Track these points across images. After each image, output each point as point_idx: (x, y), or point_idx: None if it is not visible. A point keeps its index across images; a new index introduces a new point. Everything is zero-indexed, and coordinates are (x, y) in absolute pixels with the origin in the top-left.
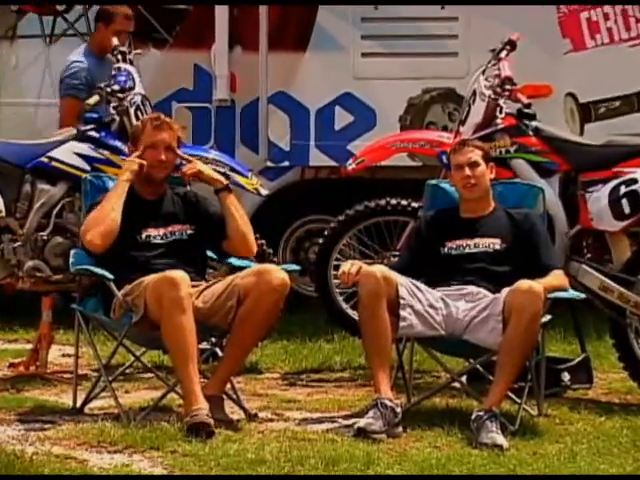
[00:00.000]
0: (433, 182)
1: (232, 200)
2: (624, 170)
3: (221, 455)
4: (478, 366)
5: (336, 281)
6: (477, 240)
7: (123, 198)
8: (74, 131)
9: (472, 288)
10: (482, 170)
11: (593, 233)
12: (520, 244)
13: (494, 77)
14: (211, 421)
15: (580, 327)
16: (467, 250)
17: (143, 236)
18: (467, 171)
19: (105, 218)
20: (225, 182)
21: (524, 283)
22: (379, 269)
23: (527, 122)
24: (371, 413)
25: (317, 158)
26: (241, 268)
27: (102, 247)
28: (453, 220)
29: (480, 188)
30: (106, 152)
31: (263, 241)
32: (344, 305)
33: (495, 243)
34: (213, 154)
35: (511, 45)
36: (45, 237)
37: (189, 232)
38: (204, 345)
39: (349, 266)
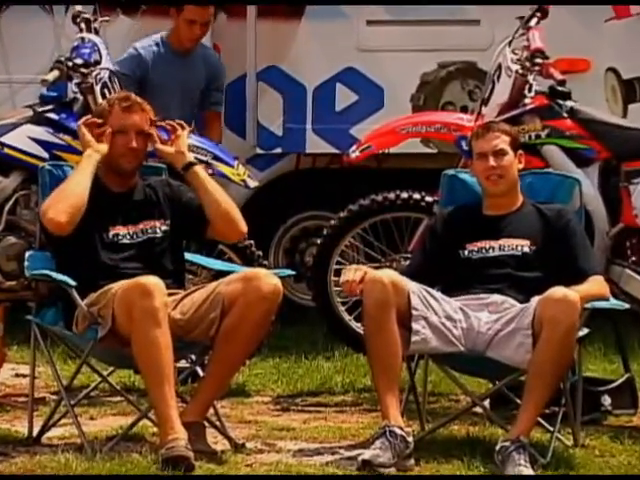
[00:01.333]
0: (451, 172)
1: (204, 176)
2: None
3: None
4: (504, 388)
5: (337, 289)
6: (502, 241)
7: (90, 175)
8: (29, 112)
9: (497, 297)
10: (509, 160)
11: (638, 232)
12: (552, 246)
13: (522, 49)
14: (190, 454)
15: (623, 342)
16: (491, 253)
17: (110, 235)
18: (492, 161)
19: (69, 194)
20: (189, 158)
21: (557, 291)
22: (387, 274)
23: (561, 102)
24: (378, 443)
25: (315, 144)
26: (227, 273)
27: (68, 226)
28: (474, 218)
29: (506, 181)
30: (67, 137)
31: (251, 241)
32: (346, 316)
33: (523, 245)
34: (192, 140)
35: (542, 12)
36: None
37: (164, 228)
38: (182, 364)
39: (352, 272)
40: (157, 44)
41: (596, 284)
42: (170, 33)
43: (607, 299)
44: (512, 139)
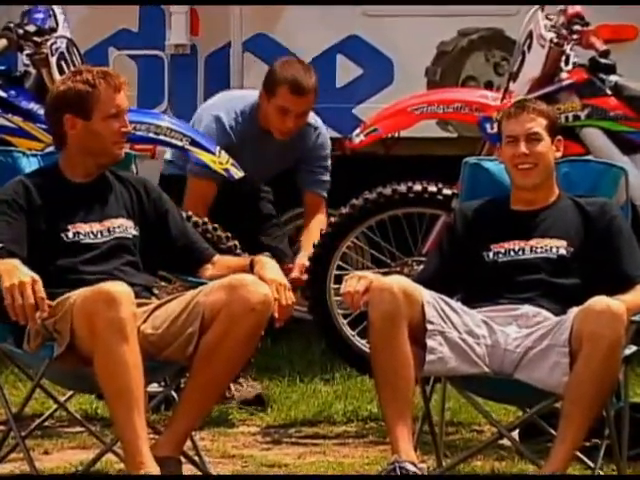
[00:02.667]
0: (473, 160)
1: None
2: None
3: None
4: (535, 416)
5: (338, 298)
6: (535, 242)
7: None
8: None
9: (528, 308)
10: (545, 146)
11: None
12: (594, 247)
13: (558, 14)
14: None
15: None
16: (521, 256)
17: (70, 234)
18: (523, 146)
19: None
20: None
21: (599, 301)
22: (397, 282)
23: (604, 76)
24: None
25: None
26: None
27: None
28: (501, 214)
29: (539, 172)
30: (17, 118)
31: (235, 242)
32: (349, 331)
33: (559, 246)
34: (167, 121)
35: None
36: None
37: (133, 232)
38: (154, 387)
39: (355, 281)
40: (243, 113)
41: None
42: (258, 109)
43: None
44: (550, 122)
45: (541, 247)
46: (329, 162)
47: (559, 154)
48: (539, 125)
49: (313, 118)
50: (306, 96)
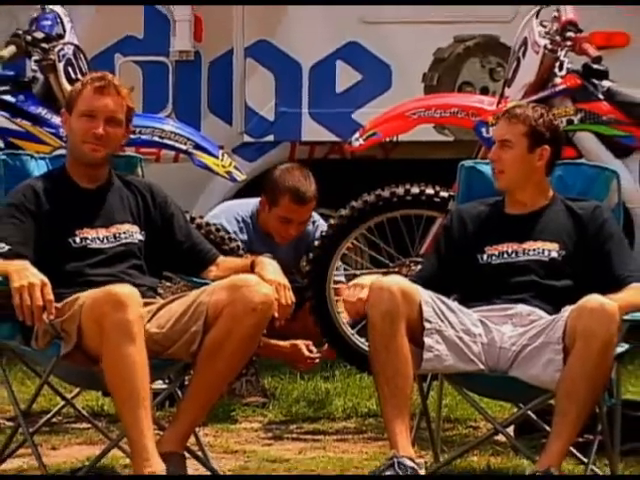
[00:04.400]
0: (469, 164)
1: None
2: None
3: None
4: (530, 413)
5: (337, 297)
6: (528, 245)
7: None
8: None
9: (522, 307)
10: (515, 155)
11: None
12: (586, 249)
13: (552, 21)
14: None
15: None
16: (514, 258)
17: (78, 239)
18: (493, 152)
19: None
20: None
21: (592, 299)
22: (396, 282)
23: (596, 82)
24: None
25: (312, 131)
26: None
27: None
28: (495, 217)
29: (506, 178)
30: (26, 123)
31: (238, 243)
32: (349, 330)
33: (552, 249)
34: (171, 125)
35: None
36: None
37: (139, 237)
38: (159, 385)
39: (353, 290)
40: (246, 224)
41: (636, 292)
42: (258, 215)
43: None
44: (530, 129)
45: (534, 250)
46: None
47: (541, 163)
48: (513, 132)
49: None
50: (308, 205)
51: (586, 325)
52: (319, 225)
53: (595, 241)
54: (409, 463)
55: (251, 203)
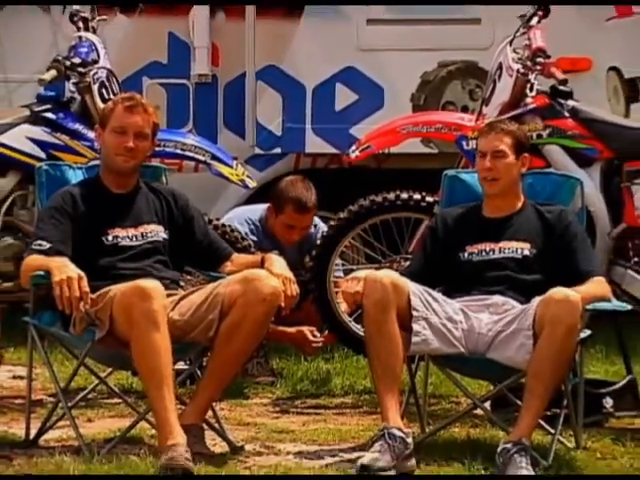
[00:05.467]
0: (451, 173)
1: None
2: None
3: None
4: (505, 390)
5: (337, 289)
6: (503, 244)
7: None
8: (26, 112)
9: (498, 298)
10: (507, 163)
11: None
12: (554, 247)
13: (524, 48)
14: (190, 464)
15: (625, 344)
16: (491, 256)
17: (110, 237)
18: (487, 161)
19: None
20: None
21: (559, 291)
22: (387, 275)
23: (562, 101)
24: (377, 446)
25: (314, 144)
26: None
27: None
28: (475, 220)
29: (501, 184)
30: (65, 137)
31: (250, 242)
32: (346, 318)
33: (524, 248)
34: (191, 139)
35: (544, 11)
36: None
37: (163, 236)
38: (181, 365)
39: (350, 283)
40: (256, 227)
41: (597, 285)
42: (267, 220)
43: (609, 300)
44: (516, 141)
45: (508, 248)
46: None
47: (524, 169)
48: (504, 144)
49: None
50: (309, 213)
51: (553, 314)
52: (320, 228)
53: (561, 240)
54: (398, 433)
55: (260, 209)
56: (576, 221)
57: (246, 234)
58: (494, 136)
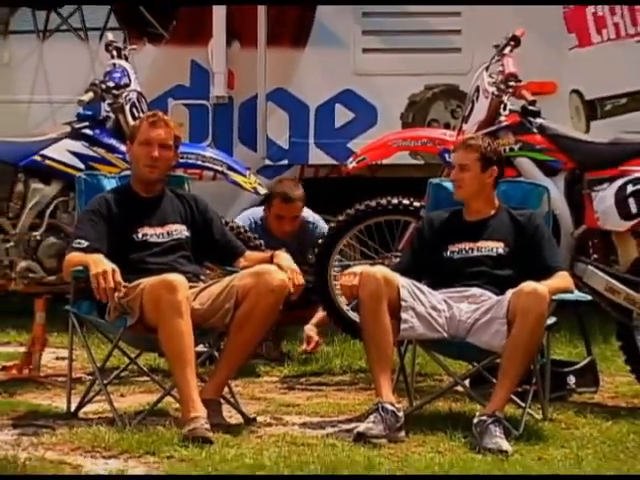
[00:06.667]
0: (435, 181)
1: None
2: (631, 169)
3: (219, 460)
4: (482, 369)
5: (337, 282)
6: (480, 244)
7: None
8: (68, 128)
9: (475, 290)
10: (470, 175)
11: (599, 233)
12: (524, 246)
13: (498, 73)
14: (209, 433)
15: (586, 330)
16: (470, 254)
17: (140, 235)
18: (453, 173)
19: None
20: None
21: (528, 285)
22: (380, 270)
23: (531, 119)
24: (372, 417)
25: (317, 156)
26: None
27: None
28: (456, 223)
29: (464, 192)
30: (101, 150)
31: (260, 241)
32: (345, 307)
33: (499, 247)
34: (210, 152)
35: (515, 41)
36: (38, 237)
37: (186, 234)
38: (201, 348)
39: (349, 277)
40: (257, 226)
41: (562, 279)
42: (266, 219)
43: (572, 292)
44: (481, 156)
45: (485, 248)
46: None
47: (490, 180)
48: (469, 159)
49: (312, 217)
50: (294, 203)
51: (523, 304)
52: (319, 227)
53: (532, 240)
54: (390, 407)
55: (261, 209)
56: (544, 223)
57: (245, 229)
58: (462, 152)
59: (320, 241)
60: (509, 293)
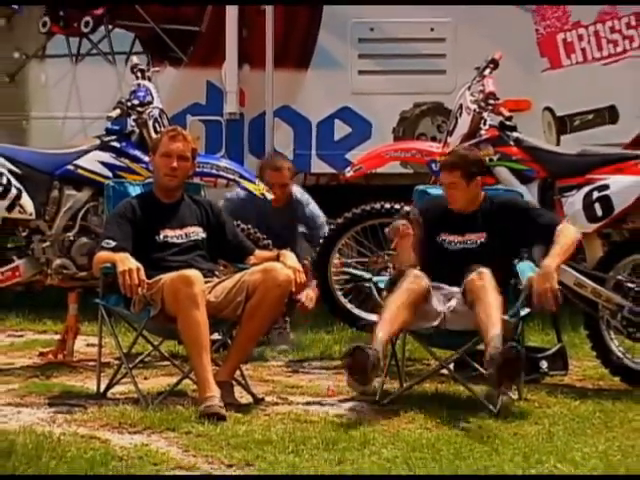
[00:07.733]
0: (421, 188)
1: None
2: (596, 177)
3: (231, 435)
4: (464, 355)
5: (336, 278)
6: (467, 236)
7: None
8: (98, 141)
9: (450, 288)
10: (459, 192)
11: None
12: (513, 227)
13: (479, 92)
14: (223, 411)
15: (557, 319)
16: (458, 246)
17: (161, 237)
18: (446, 190)
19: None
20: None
21: (476, 272)
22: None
23: (509, 133)
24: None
25: (318, 166)
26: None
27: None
28: (446, 213)
29: (459, 203)
30: (127, 160)
31: (269, 241)
32: (342, 299)
33: (481, 237)
34: (224, 162)
35: (494, 63)
36: (71, 238)
37: (202, 235)
38: (216, 336)
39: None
40: (258, 201)
41: (564, 237)
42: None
43: (580, 240)
44: (463, 171)
45: (470, 240)
46: (320, 229)
47: (478, 188)
48: (454, 177)
49: (300, 192)
50: (281, 171)
51: (476, 289)
52: (308, 207)
53: (518, 216)
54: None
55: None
56: (522, 200)
57: (255, 231)
58: (446, 174)
59: (321, 241)
60: (466, 281)
